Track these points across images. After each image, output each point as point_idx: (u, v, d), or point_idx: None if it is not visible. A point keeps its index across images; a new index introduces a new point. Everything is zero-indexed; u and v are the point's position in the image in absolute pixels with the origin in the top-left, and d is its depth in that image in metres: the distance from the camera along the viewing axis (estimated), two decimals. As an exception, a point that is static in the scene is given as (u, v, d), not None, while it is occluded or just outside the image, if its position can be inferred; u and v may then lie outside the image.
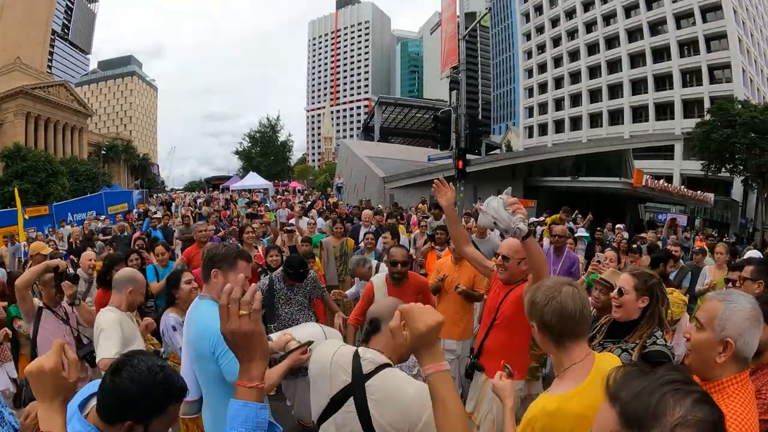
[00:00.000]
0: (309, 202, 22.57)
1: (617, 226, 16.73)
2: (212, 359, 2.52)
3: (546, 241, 8.44)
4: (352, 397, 2.01)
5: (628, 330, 2.85)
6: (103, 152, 75.34)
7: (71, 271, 4.90)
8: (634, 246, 9.19)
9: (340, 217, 10.49)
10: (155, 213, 17.48)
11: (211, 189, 51.29)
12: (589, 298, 3.65)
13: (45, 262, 4.12)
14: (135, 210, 23.76)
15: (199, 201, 28.64)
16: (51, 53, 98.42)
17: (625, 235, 15.13)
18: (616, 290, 2.89)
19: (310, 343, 2.86)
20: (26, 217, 17.21)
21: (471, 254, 4.07)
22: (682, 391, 1.04)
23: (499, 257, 3.74)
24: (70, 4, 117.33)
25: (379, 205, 19.09)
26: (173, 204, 26.70)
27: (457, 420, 1.63)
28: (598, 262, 6.78)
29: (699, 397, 1.05)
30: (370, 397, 1.97)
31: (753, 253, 8.50)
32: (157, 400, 1.59)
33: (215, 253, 2.80)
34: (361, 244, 8.23)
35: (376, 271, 6.03)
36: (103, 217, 20.39)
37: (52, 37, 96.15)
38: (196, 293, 4.29)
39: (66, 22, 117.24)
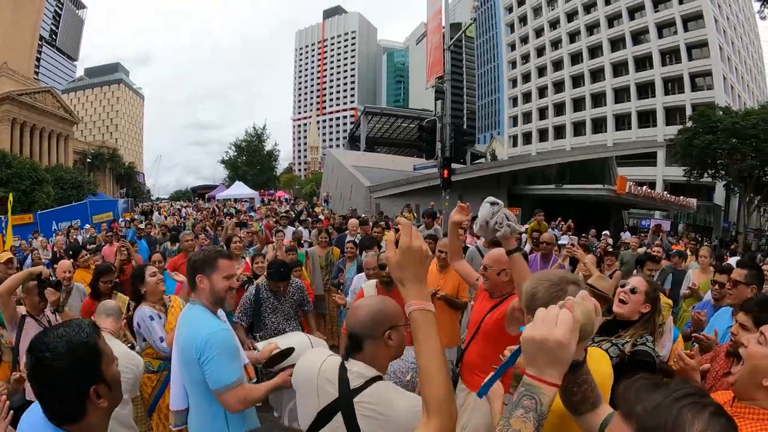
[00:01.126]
0: (294, 212, 22.54)
1: (603, 232, 16.88)
2: (198, 365, 2.51)
3: (527, 246, 8.58)
4: (339, 413, 1.96)
5: (619, 329, 2.99)
6: (89, 160, 74.56)
7: (53, 278, 4.91)
8: (611, 249, 9.31)
9: (326, 228, 10.48)
10: (140, 222, 17.25)
11: (197, 198, 51.15)
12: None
13: (28, 269, 4.10)
14: (121, 219, 23.52)
15: (184, 210, 28.59)
16: (38, 59, 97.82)
17: (611, 241, 15.30)
18: (629, 287, 3.01)
19: (292, 349, 2.92)
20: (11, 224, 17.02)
21: (462, 269, 4.04)
22: (698, 405, 1.04)
23: (483, 267, 3.72)
24: (58, 10, 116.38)
25: (364, 215, 19.13)
26: (154, 213, 26.50)
27: (436, 360, 1.64)
28: (572, 244, 6.92)
29: (715, 410, 1.05)
30: (361, 413, 1.92)
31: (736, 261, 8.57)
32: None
33: (195, 259, 2.80)
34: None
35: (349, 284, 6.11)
36: (88, 226, 20.11)
37: (40, 42, 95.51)
38: (163, 285, 4.38)
39: (54, 28, 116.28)
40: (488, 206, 3.07)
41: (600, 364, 2.05)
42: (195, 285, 2.76)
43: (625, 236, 11.48)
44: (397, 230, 12.45)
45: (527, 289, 2.05)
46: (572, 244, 7.01)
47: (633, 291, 2.97)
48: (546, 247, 6.80)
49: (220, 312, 2.92)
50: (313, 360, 2.18)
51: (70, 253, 7.46)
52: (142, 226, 14.65)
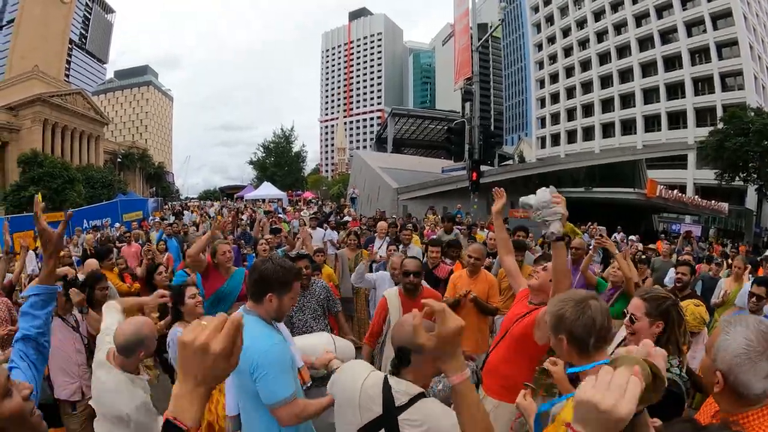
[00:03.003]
0: (324, 213, 22.48)
1: (630, 237, 16.68)
2: (251, 378, 2.47)
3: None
4: (383, 430, 2.00)
5: None
6: (119, 160, 75.75)
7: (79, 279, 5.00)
8: (644, 257, 8.74)
9: (355, 230, 10.17)
10: (170, 222, 17.16)
11: (225, 198, 51.68)
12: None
13: None
14: (151, 218, 23.69)
15: (212, 210, 28.74)
16: (68, 62, 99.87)
17: (639, 246, 15.07)
18: (627, 317, 2.78)
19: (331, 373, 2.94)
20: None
21: (509, 264, 4.01)
22: None
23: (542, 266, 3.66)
24: (87, 15, 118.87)
25: (393, 215, 19.14)
26: (184, 213, 26.06)
27: (484, 428, 1.68)
28: (601, 235, 6.80)
29: None
30: (404, 431, 1.96)
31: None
32: None
33: (270, 276, 2.64)
34: (377, 256, 8.24)
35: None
36: (118, 224, 20.30)
37: (70, 46, 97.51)
38: (201, 308, 4.27)
39: (83, 32, 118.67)
40: (547, 194, 3.07)
41: None
42: (261, 299, 2.65)
43: (665, 248, 11.10)
44: (419, 232, 12.49)
45: (553, 312, 2.15)
46: (601, 235, 6.87)
47: (632, 320, 2.73)
48: (576, 252, 6.74)
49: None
50: (355, 376, 2.20)
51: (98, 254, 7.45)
52: (170, 222, 14.62)
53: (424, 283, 4.96)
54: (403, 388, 2.02)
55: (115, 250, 10.16)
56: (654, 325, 2.66)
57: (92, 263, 6.60)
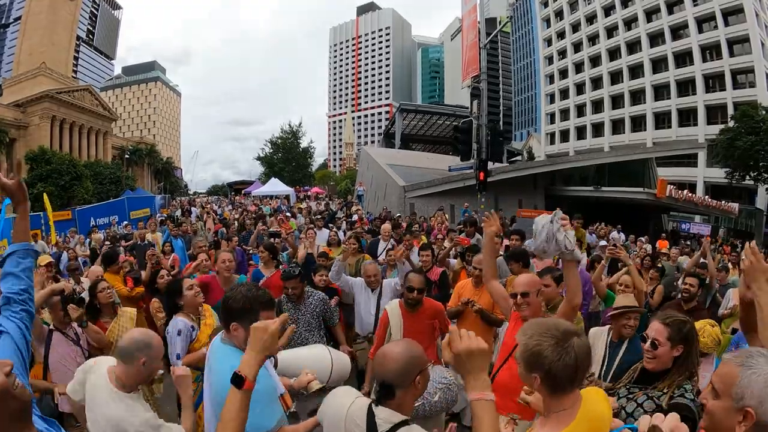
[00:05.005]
0: (330, 211, 22.31)
1: (639, 238, 16.47)
2: None
3: (583, 260, 8.27)
4: None
5: (658, 377, 2.69)
6: (127, 156, 76.03)
7: (82, 288, 4.93)
8: (659, 265, 8.54)
9: (356, 233, 9.93)
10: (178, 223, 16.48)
11: (233, 193, 51.85)
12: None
13: (50, 287, 4.03)
14: (158, 215, 23.45)
15: (219, 208, 28.61)
16: (76, 58, 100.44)
17: (648, 248, 14.82)
18: (648, 342, 2.69)
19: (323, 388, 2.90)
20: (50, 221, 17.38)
21: (496, 289, 3.95)
22: None
23: (518, 296, 3.49)
24: (94, 11, 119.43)
25: (399, 214, 18.98)
26: (191, 210, 24.98)
27: None
28: (614, 245, 6.63)
29: None
30: None
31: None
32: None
33: (233, 306, 2.53)
34: (380, 258, 8.07)
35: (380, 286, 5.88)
36: (125, 223, 20.22)
37: (77, 42, 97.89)
38: (201, 297, 4.33)
39: (90, 28, 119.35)
40: (549, 224, 2.97)
41: (597, 404, 2.02)
42: (227, 328, 2.56)
43: (674, 252, 10.84)
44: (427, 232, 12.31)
45: (530, 346, 1.97)
46: (614, 245, 6.69)
47: (654, 346, 2.66)
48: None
49: None
50: (341, 402, 2.23)
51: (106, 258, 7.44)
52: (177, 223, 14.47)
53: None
54: (385, 416, 2.03)
55: (121, 249, 10.13)
56: (675, 350, 2.63)
57: (96, 270, 6.64)
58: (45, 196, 19.07)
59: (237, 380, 1.92)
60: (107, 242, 13.93)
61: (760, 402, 1.63)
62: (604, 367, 3.70)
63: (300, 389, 3.04)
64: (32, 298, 2.24)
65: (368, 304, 5.86)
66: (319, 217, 15.89)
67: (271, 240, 8.85)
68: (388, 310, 4.78)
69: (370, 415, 2.06)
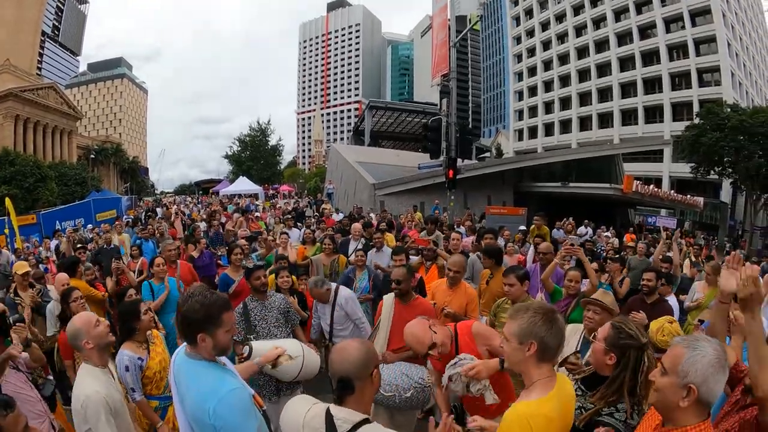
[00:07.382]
0: (299, 209, 22.14)
1: (604, 234, 16.68)
2: (213, 428, 2.27)
3: (530, 253, 8.40)
4: None
5: (602, 383, 2.54)
6: (92, 156, 74.42)
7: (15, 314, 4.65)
8: (616, 256, 9.32)
9: (330, 232, 9.99)
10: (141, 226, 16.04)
11: (201, 192, 51.25)
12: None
13: None
14: (125, 217, 22.96)
15: (187, 209, 28.04)
16: (40, 54, 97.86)
17: (615, 242, 15.06)
18: (592, 335, 2.77)
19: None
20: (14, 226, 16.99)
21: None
22: None
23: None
24: (60, 5, 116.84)
25: (370, 213, 18.86)
26: (157, 210, 23.95)
27: None
28: (572, 244, 6.74)
29: None
30: None
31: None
32: None
33: (193, 318, 2.39)
34: (351, 257, 7.93)
35: (335, 296, 5.65)
36: (91, 226, 19.73)
37: (42, 38, 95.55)
38: (152, 323, 4.19)
39: (56, 23, 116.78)
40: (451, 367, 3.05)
41: (568, 384, 2.37)
42: (194, 341, 2.42)
43: (641, 246, 10.98)
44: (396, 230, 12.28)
45: (524, 320, 2.25)
46: (572, 244, 6.75)
47: (593, 336, 2.65)
48: (544, 257, 6.63)
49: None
50: (297, 411, 2.21)
51: (67, 265, 7.18)
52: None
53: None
54: (344, 416, 2.05)
55: (88, 253, 9.80)
56: (608, 357, 2.51)
57: (62, 278, 6.41)
58: (8, 201, 18.56)
59: None
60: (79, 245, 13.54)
61: (704, 380, 1.85)
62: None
63: (267, 363, 3.13)
64: None
65: (324, 313, 5.77)
66: (289, 216, 15.72)
67: (244, 242, 8.77)
68: (384, 301, 4.93)
69: (329, 417, 2.06)
